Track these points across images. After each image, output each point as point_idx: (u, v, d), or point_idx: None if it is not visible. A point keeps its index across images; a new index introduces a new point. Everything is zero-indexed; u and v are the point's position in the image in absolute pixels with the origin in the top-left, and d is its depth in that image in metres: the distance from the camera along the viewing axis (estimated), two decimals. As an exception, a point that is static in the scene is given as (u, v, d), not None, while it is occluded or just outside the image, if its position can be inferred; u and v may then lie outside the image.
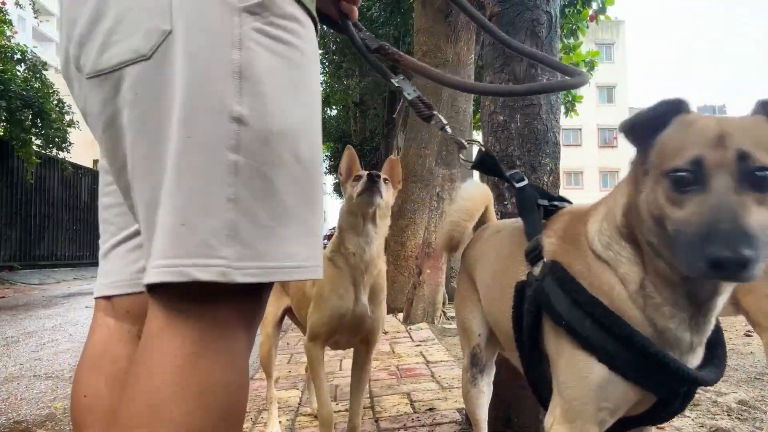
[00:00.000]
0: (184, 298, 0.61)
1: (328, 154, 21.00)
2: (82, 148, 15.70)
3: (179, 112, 0.62)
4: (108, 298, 0.89)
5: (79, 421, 0.83)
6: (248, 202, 0.63)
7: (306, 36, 0.72)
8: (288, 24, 0.69)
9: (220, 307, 0.63)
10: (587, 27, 7.75)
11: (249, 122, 0.64)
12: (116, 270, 0.87)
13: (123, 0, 0.65)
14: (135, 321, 0.86)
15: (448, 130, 1.21)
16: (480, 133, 2.10)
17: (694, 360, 0.89)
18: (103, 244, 0.90)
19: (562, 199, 1.21)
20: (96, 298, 0.91)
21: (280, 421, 2.15)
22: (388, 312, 3.64)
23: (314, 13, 0.75)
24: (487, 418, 1.44)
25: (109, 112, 0.68)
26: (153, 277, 0.60)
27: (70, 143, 10.91)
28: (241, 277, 0.61)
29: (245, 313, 0.66)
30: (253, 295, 0.66)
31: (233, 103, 0.63)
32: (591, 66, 8.55)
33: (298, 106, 0.70)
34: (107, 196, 0.88)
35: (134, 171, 0.66)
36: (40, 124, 10.09)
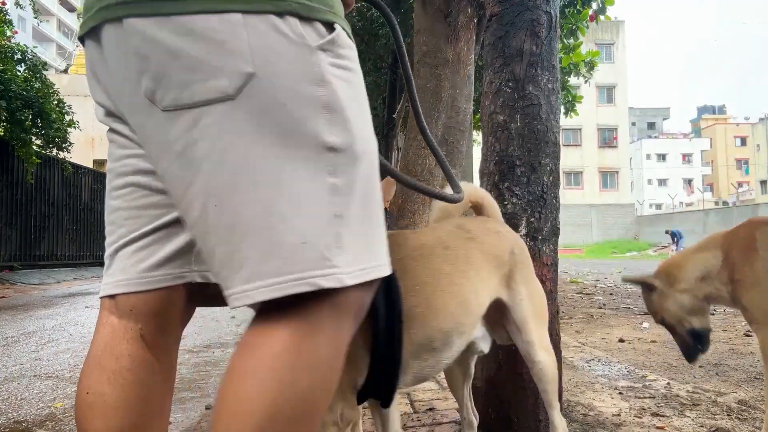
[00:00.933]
0: (301, 305, 0.71)
1: (328, 154, 20.98)
2: (82, 148, 15.71)
3: (275, 148, 0.71)
4: (112, 297, 0.90)
5: (81, 418, 0.86)
6: (347, 215, 0.74)
7: (355, 57, 0.81)
8: (347, 52, 0.78)
9: (335, 305, 0.74)
10: (587, 27, 7.75)
11: (341, 149, 0.74)
12: (123, 269, 0.89)
13: (203, 41, 0.70)
14: (138, 319, 0.89)
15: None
16: (480, 133, 2.10)
17: None
18: (110, 245, 0.91)
19: None
20: (101, 297, 0.92)
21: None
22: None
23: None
24: None
25: (183, 143, 0.73)
26: (283, 290, 0.70)
27: (70, 143, 10.90)
28: (350, 280, 0.72)
29: (354, 308, 0.77)
30: (359, 292, 0.76)
31: (326, 135, 0.73)
32: (591, 66, 8.55)
33: (367, 124, 0.80)
34: (117, 199, 0.90)
35: (210, 195, 0.72)
36: (40, 124, 10.09)
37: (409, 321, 1.08)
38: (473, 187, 1.57)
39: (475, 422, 1.66)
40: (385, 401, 1.15)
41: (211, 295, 0.91)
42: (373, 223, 0.78)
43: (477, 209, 1.56)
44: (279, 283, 0.70)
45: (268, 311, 0.73)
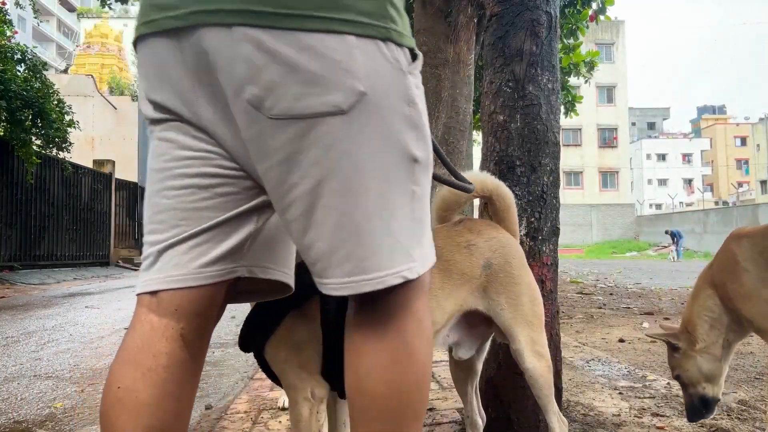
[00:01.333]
0: (389, 293, 0.85)
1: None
2: (82, 148, 15.71)
3: (378, 158, 0.81)
4: (154, 293, 0.91)
5: (109, 413, 0.86)
6: (421, 218, 0.88)
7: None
8: (419, 75, 0.89)
9: (415, 288, 0.88)
10: (587, 27, 7.74)
11: (421, 160, 0.86)
12: (177, 264, 0.90)
13: (321, 59, 0.77)
14: (181, 319, 0.90)
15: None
16: (480, 133, 2.10)
17: None
18: (157, 243, 0.92)
19: None
20: (140, 294, 0.93)
21: (280, 421, 2.15)
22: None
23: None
24: None
25: (291, 149, 0.80)
26: (383, 284, 0.83)
27: (70, 143, 10.89)
28: (422, 270, 0.87)
29: (425, 287, 0.92)
30: (426, 275, 0.90)
31: (413, 148, 0.84)
32: (591, 66, 8.55)
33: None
34: (172, 199, 0.91)
35: (319, 197, 0.81)
36: (40, 124, 10.08)
37: None
38: (484, 177, 1.52)
39: (481, 423, 1.62)
40: (341, 393, 1.25)
41: (240, 291, 1.01)
42: (427, 219, 0.92)
43: (488, 200, 1.53)
44: (380, 277, 0.83)
45: (366, 297, 0.85)
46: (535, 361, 1.37)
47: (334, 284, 0.84)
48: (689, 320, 1.88)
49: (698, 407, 1.89)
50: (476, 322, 1.39)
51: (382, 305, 0.86)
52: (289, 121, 0.78)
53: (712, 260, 1.88)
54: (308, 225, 0.83)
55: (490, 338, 1.53)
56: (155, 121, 0.91)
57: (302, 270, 1.22)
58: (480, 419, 1.62)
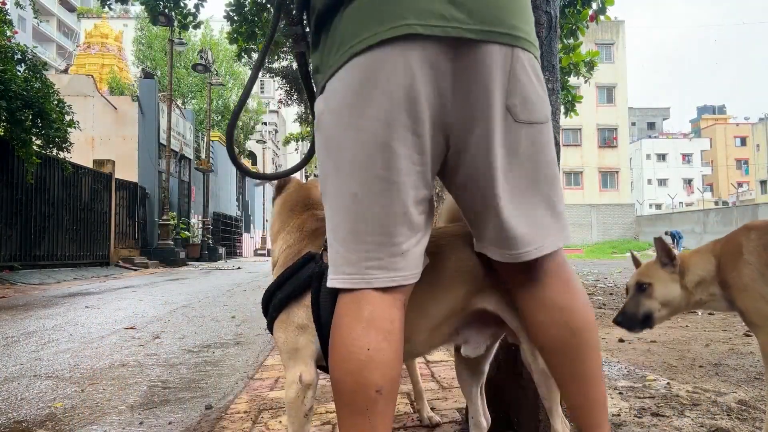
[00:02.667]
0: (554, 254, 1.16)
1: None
2: (82, 148, 15.70)
3: (552, 155, 1.12)
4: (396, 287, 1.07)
5: (361, 370, 1.00)
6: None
7: None
8: None
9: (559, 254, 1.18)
10: (587, 27, 7.74)
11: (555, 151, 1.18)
12: (412, 266, 1.07)
13: (540, 80, 1.07)
14: (405, 291, 1.08)
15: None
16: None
17: None
18: (401, 244, 1.05)
19: None
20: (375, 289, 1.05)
21: (280, 421, 2.15)
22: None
23: None
24: None
25: (525, 146, 1.06)
26: (563, 243, 1.15)
27: (70, 143, 10.88)
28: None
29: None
30: None
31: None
32: (591, 66, 8.54)
33: None
34: (419, 205, 1.06)
35: (540, 183, 1.10)
36: (40, 124, 10.07)
37: None
38: None
39: (486, 425, 1.61)
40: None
41: None
42: None
43: None
44: (562, 240, 1.14)
45: (543, 259, 1.13)
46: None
47: (534, 249, 1.10)
48: (692, 261, 1.90)
49: (639, 319, 1.94)
50: (487, 322, 1.38)
51: (551, 264, 1.17)
52: (528, 125, 1.05)
53: (724, 238, 1.89)
54: (527, 207, 1.09)
55: (499, 340, 1.52)
56: (405, 131, 1.01)
57: (306, 261, 1.32)
58: (484, 420, 1.61)
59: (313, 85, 1.15)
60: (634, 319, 1.94)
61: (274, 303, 1.35)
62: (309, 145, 1.32)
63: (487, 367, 1.59)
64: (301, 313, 1.31)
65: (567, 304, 1.16)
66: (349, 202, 1.02)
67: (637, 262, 2.09)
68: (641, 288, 1.94)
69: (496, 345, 1.56)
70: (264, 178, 1.59)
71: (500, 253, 1.13)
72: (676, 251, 1.96)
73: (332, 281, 1.08)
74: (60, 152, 10.85)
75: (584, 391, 1.16)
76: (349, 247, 1.04)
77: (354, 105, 0.98)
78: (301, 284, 1.31)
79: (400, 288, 1.07)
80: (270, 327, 1.38)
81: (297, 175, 1.70)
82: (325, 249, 1.31)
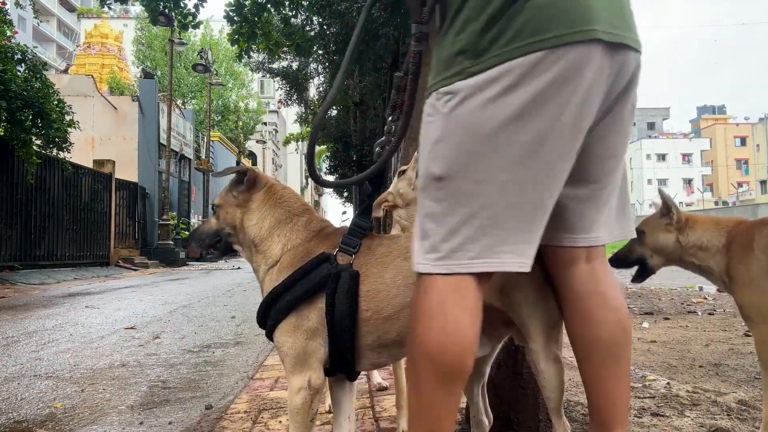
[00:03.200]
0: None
1: (329, 154, 20.98)
2: (82, 148, 15.69)
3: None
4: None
5: (461, 355, 1.06)
6: None
7: None
8: None
9: None
10: (587, 27, 7.71)
11: None
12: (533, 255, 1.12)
13: None
14: (487, 278, 1.13)
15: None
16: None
17: None
18: (536, 231, 1.09)
19: None
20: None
21: (280, 421, 2.15)
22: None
23: None
24: None
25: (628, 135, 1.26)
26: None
27: (71, 143, 10.88)
28: None
29: None
30: None
31: None
32: (591, 66, 8.52)
33: None
34: (554, 199, 1.11)
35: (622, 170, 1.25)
36: (40, 124, 10.07)
37: (361, 322, 1.28)
38: None
39: (487, 424, 1.60)
40: (350, 376, 1.40)
41: None
42: None
43: None
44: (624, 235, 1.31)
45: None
46: (552, 363, 1.32)
47: (603, 237, 1.24)
48: (701, 221, 1.91)
49: (632, 261, 2.03)
50: (493, 322, 1.37)
51: (599, 254, 1.29)
52: (632, 116, 1.21)
53: (742, 221, 1.88)
54: (613, 195, 1.23)
55: (503, 341, 1.51)
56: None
57: (319, 262, 1.30)
58: (486, 419, 1.60)
59: (444, 72, 1.08)
60: (622, 260, 2.04)
61: (281, 305, 1.30)
62: (397, 137, 1.28)
63: (488, 369, 1.59)
64: (313, 315, 1.28)
65: (620, 304, 1.24)
66: (498, 188, 1.02)
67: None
68: (638, 234, 1.96)
69: (499, 347, 1.56)
70: (340, 185, 1.51)
71: (585, 237, 1.23)
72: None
73: (468, 266, 1.05)
74: (60, 152, 10.85)
75: (620, 388, 1.24)
76: (486, 231, 1.04)
77: (533, 100, 0.99)
78: (314, 285, 1.27)
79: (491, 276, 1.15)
80: (271, 332, 1.33)
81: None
82: (341, 250, 1.32)
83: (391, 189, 2.06)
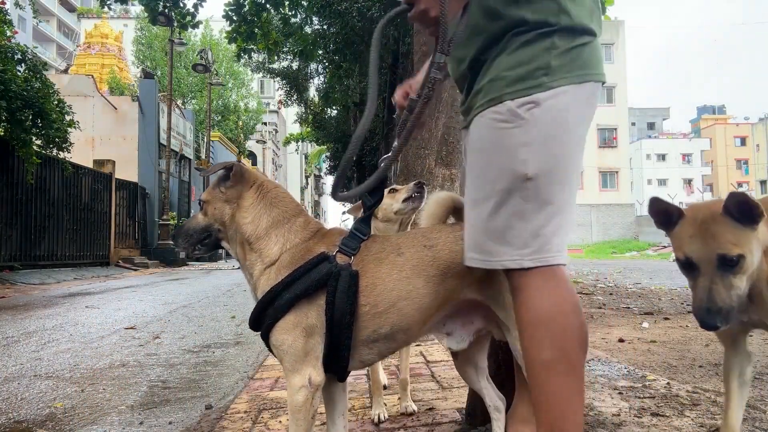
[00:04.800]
0: None
1: (329, 154, 20.99)
2: (82, 148, 15.69)
3: None
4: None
5: (584, 340, 1.20)
6: None
7: None
8: None
9: None
10: (587, 27, 7.72)
11: None
12: None
13: None
14: None
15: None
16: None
17: None
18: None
19: None
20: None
21: (280, 421, 2.15)
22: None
23: None
24: None
25: None
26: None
27: (71, 143, 10.88)
28: None
29: None
30: None
31: None
32: (591, 66, 8.52)
33: None
34: None
35: None
36: (40, 124, 10.07)
37: (358, 316, 1.30)
38: (447, 195, 1.56)
39: (503, 405, 1.60)
40: (341, 376, 1.39)
41: None
42: None
43: (458, 216, 1.51)
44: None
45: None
46: None
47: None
48: None
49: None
50: (472, 317, 1.40)
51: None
52: None
53: None
54: None
55: (489, 335, 1.52)
56: None
57: (319, 261, 1.32)
58: (500, 401, 1.60)
59: (518, 84, 1.23)
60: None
61: (279, 303, 1.30)
62: (395, 151, 1.47)
63: (483, 362, 1.60)
64: (313, 313, 1.29)
65: None
66: (574, 190, 1.23)
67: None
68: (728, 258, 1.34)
69: (487, 343, 1.57)
70: (357, 194, 1.49)
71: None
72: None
73: (555, 258, 1.19)
74: (60, 152, 10.85)
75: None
76: (569, 227, 1.22)
77: (584, 116, 1.24)
78: (314, 283, 1.28)
79: None
80: (268, 331, 1.32)
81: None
82: (340, 250, 1.33)
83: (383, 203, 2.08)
